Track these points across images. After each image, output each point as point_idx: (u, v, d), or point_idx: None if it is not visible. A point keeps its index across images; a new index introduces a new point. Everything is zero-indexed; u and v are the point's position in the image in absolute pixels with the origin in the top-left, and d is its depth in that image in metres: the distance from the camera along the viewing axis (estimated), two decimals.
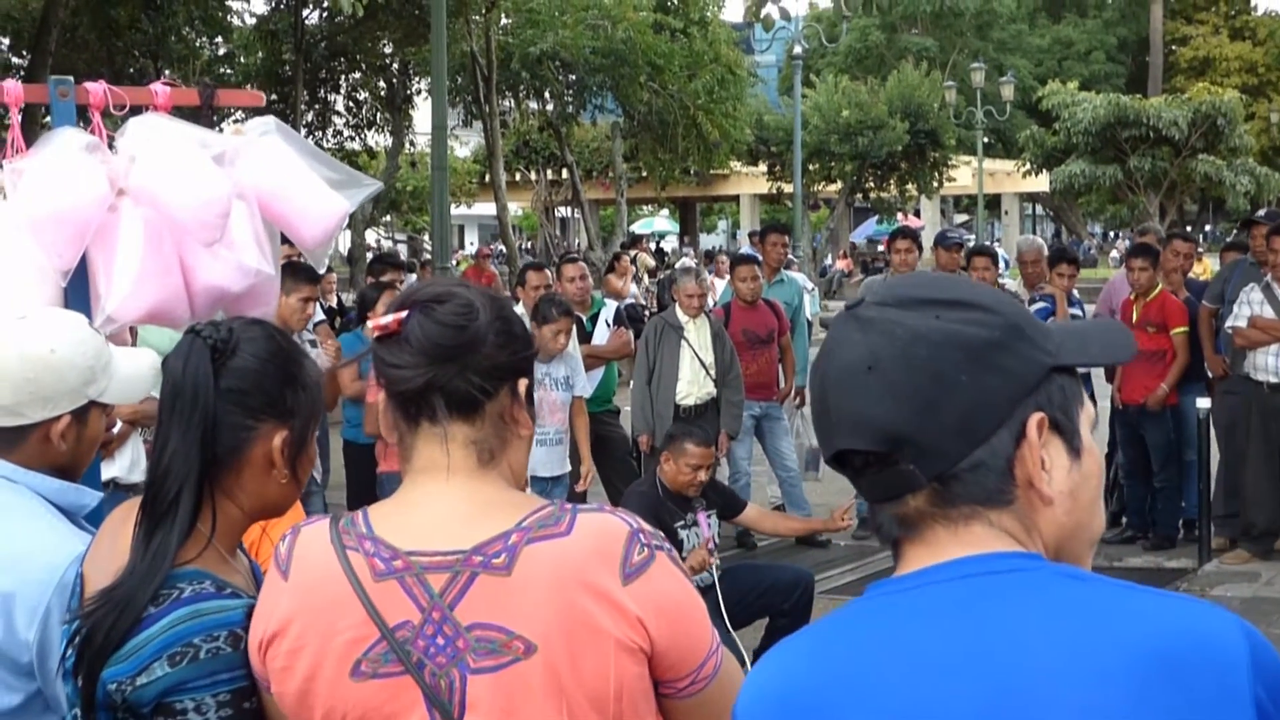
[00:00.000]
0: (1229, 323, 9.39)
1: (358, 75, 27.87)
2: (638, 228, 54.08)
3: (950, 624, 1.38)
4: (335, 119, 28.37)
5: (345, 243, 30.41)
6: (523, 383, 2.11)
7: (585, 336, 9.51)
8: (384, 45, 25.99)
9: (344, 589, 2.00)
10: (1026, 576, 1.40)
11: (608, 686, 1.98)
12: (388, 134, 28.89)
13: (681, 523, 6.93)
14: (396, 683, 1.99)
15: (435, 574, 1.98)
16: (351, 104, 28.61)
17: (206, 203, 3.28)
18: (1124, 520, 10.18)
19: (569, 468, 8.38)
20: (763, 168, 40.75)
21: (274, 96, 24.01)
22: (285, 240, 3.67)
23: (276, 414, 2.25)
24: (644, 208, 59.55)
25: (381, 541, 2.02)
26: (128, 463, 5.80)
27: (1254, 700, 1.31)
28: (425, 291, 2.09)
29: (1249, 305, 9.25)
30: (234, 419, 2.22)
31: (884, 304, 1.48)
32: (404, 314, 2.05)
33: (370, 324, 2.09)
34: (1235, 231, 20.23)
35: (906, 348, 1.44)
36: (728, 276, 12.23)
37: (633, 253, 26.16)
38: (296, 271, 7.06)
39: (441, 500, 2.04)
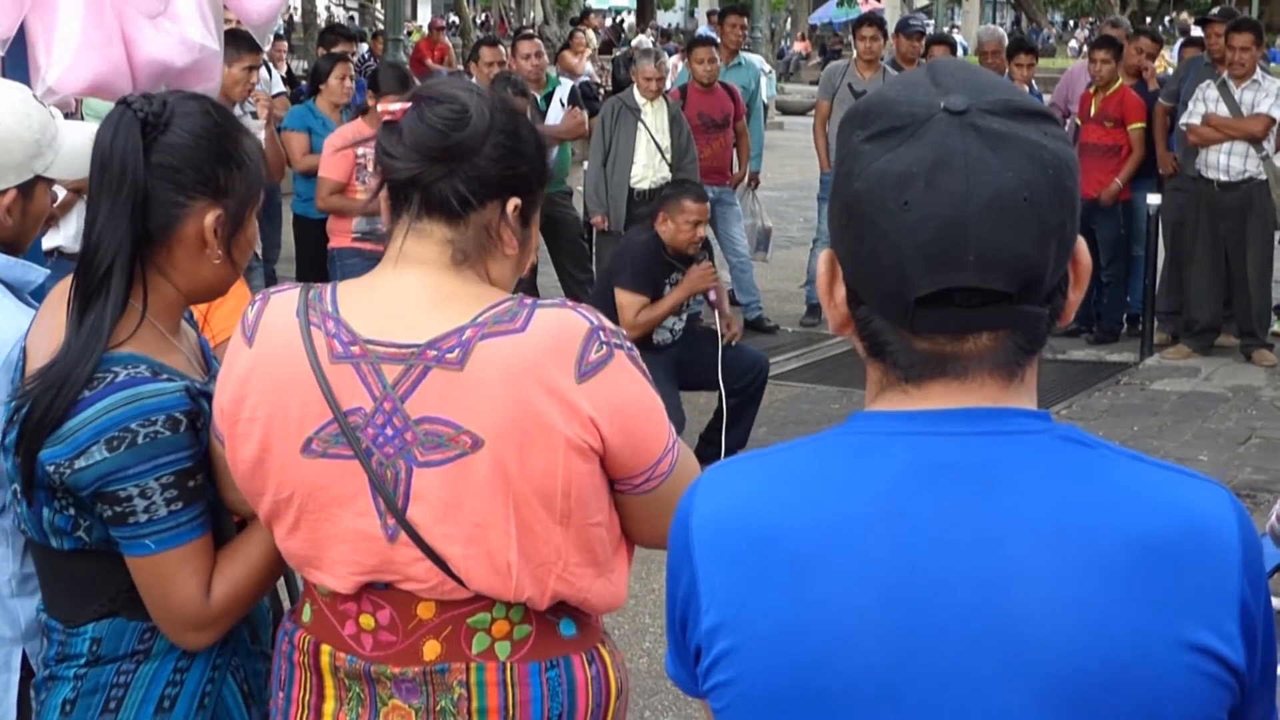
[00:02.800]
0: (1183, 119, 9.38)
1: None
2: (594, 2, 53.06)
3: (953, 490, 1.30)
4: None
5: (296, 7, 29.66)
6: (514, 202, 2.09)
7: (540, 116, 9.39)
8: None
9: (302, 366, 2.01)
10: (1036, 440, 1.32)
11: (555, 483, 1.99)
12: None
13: (677, 275, 7.00)
14: (344, 465, 2.01)
15: (390, 364, 1.99)
16: None
17: None
18: None
19: None
20: None
21: None
22: None
23: (210, 192, 2.21)
24: None
25: (343, 323, 2.02)
26: (73, 232, 5.71)
27: (1240, 599, 1.29)
28: (433, 89, 2.09)
29: (1204, 103, 9.24)
30: (166, 195, 2.18)
31: (998, 114, 1.28)
32: (409, 105, 2.05)
33: (379, 108, 2.09)
34: (1185, 30, 20.07)
35: (1057, 176, 1.28)
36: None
37: (582, 28, 25.67)
38: (239, 40, 6.87)
39: (404, 289, 2.04)
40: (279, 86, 11.10)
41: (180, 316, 2.32)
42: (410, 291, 2.04)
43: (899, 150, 1.28)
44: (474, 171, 2.03)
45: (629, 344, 2.06)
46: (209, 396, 2.16)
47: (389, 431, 1.99)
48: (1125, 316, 10.31)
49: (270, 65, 10.96)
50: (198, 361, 2.32)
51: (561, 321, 2.00)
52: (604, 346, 2.00)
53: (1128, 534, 1.28)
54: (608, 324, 2.04)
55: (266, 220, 8.65)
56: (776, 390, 8.63)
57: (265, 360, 2.05)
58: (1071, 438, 1.33)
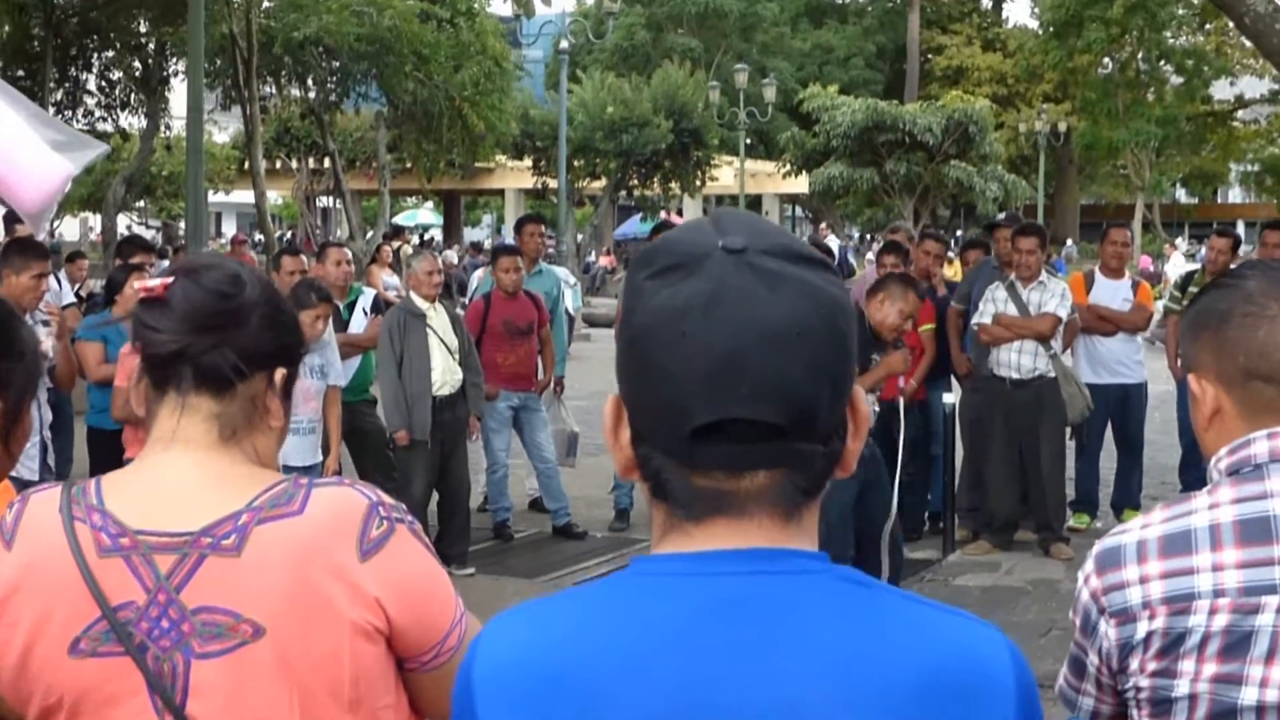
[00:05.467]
0: (975, 319, 9.70)
1: (111, 54, 26.93)
2: (401, 219, 53.58)
3: (734, 626, 1.32)
4: (87, 99, 27.34)
5: (96, 228, 29.49)
6: (280, 373, 2.06)
7: (342, 324, 9.32)
8: (139, 24, 25.18)
9: (67, 563, 1.92)
10: (815, 579, 1.34)
11: (342, 670, 1.92)
12: (142, 116, 27.93)
13: (876, 357, 7.55)
14: (117, 663, 1.91)
15: (163, 555, 1.92)
16: (104, 84, 27.63)
17: None
18: None
19: (320, 457, 8.17)
20: (528, 162, 40.65)
21: (21, 73, 23.07)
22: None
23: None
24: (408, 199, 59.04)
25: (110, 515, 1.94)
26: None
27: None
28: (196, 261, 2.06)
29: (994, 303, 9.56)
30: None
31: (775, 255, 1.33)
32: (170, 280, 2.00)
33: (136, 285, 2.03)
34: (979, 232, 21.04)
35: (831, 315, 1.33)
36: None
37: (396, 244, 25.86)
38: (26, 248, 6.73)
39: (174, 473, 1.98)
40: (69, 297, 10.91)
41: None
42: (180, 475, 1.97)
43: (678, 285, 1.33)
44: (244, 341, 2.00)
45: (410, 518, 2.02)
46: None
47: (164, 624, 1.90)
48: (927, 514, 10.47)
49: (59, 278, 10.80)
50: None
51: (340, 500, 1.95)
52: (384, 522, 1.95)
53: (907, 670, 1.30)
54: (387, 499, 2.00)
55: (58, 433, 8.38)
56: None
57: (25, 562, 1.94)
58: (850, 578, 1.37)
